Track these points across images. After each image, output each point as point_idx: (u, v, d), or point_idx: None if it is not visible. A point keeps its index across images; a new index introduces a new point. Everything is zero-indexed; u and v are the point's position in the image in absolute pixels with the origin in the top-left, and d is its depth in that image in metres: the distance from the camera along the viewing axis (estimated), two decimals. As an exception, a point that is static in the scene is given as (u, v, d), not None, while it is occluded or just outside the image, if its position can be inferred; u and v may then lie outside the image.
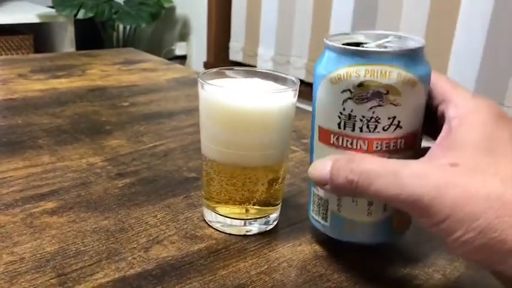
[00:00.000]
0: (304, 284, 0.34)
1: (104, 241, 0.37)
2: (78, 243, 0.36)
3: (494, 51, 1.31)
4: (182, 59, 2.33)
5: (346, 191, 0.32)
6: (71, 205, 0.42)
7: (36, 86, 0.77)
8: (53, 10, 2.10)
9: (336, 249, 0.37)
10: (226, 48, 2.18)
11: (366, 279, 0.35)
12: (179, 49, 2.36)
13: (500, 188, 0.27)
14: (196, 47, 2.32)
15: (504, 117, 0.31)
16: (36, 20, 2.10)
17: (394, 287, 0.34)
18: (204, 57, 2.25)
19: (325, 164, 0.33)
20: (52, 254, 0.35)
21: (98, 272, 0.33)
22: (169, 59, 1.47)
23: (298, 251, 0.38)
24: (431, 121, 0.35)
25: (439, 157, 0.31)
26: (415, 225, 0.43)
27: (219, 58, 2.18)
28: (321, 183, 0.33)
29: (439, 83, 0.34)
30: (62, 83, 0.79)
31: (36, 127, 0.59)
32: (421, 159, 0.31)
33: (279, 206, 0.41)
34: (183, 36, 2.39)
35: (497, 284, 0.35)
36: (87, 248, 0.36)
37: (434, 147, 0.32)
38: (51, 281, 0.32)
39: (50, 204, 0.42)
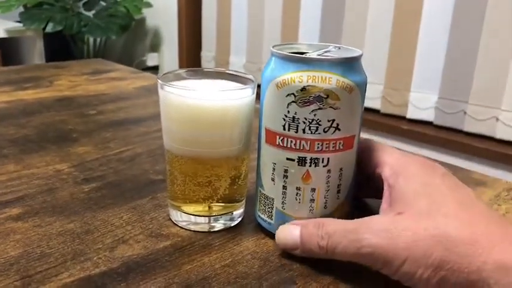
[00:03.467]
0: (267, 274, 0.35)
1: (69, 243, 0.37)
2: (43, 246, 0.37)
3: (457, 51, 1.35)
4: (154, 69, 2.33)
5: (317, 255, 0.34)
6: (36, 210, 0.42)
7: (2, 98, 0.76)
8: (21, 24, 2.08)
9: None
10: (198, 58, 2.19)
11: (326, 266, 0.36)
12: (151, 60, 2.36)
13: (444, 223, 0.30)
14: (168, 58, 2.33)
15: (431, 166, 0.36)
16: (3, 35, 2.08)
17: (354, 271, 0.35)
18: (176, 67, 2.26)
19: (293, 231, 0.36)
20: (16, 258, 0.35)
21: (62, 273, 0.34)
22: (142, 70, 1.47)
23: (262, 243, 0.39)
24: (374, 185, 0.38)
25: (388, 211, 0.34)
26: (373, 214, 0.45)
27: (191, 67, 2.19)
28: (290, 249, 0.36)
29: (369, 150, 0.39)
30: (29, 94, 0.79)
31: (1, 137, 0.59)
32: (375, 215, 0.34)
33: (243, 202, 0.42)
34: (155, 47, 2.39)
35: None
36: (52, 250, 0.36)
37: (382, 205, 0.35)
38: (14, 283, 0.32)
39: (14, 211, 0.42)
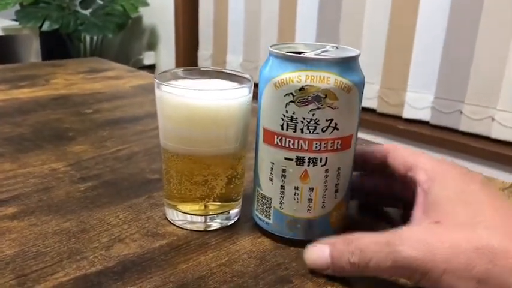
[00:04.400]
0: (263, 273, 0.35)
1: (65, 242, 0.37)
2: (39, 245, 0.37)
3: (453, 51, 1.36)
4: (151, 68, 2.32)
5: (349, 272, 0.33)
6: (32, 209, 0.42)
7: (-2, 96, 0.76)
8: (17, 23, 2.07)
9: (294, 240, 0.38)
10: (195, 57, 2.19)
11: (323, 266, 0.36)
12: (147, 58, 2.35)
13: (487, 235, 0.29)
14: (165, 56, 2.32)
15: (468, 173, 0.34)
16: (-1, 33, 2.07)
17: (350, 272, 0.35)
18: (173, 66, 2.25)
19: (323, 250, 0.34)
20: (12, 257, 0.35)
21: (58, 272, 0.34)
22: (138, 69, 1.47)
23: (258, 242, 0.39)
24: (404, 189, 0.37)
25: (422, 219, 0.32)
26: (370, 213, 0.45)
27: (188, 66, 2.18)
28: (321, 269, 0.34)
29: (400, 153, 0.38)
30: (24, 93, 0.79)
31: (-3, 136, 0.59)
32: (407, 224, 0.33)
33: (240, 201, 0.42)
34: (151, 46, 2.38)
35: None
36: (48, 249, 0.36)
37: (415, 212, 0.34)
38: (10, 282, 0.32)
39: (10, 210, 0.42)
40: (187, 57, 2.18)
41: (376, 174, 0.42)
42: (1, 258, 0.35)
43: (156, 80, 0.39)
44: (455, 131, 1.40)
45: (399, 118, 1.52)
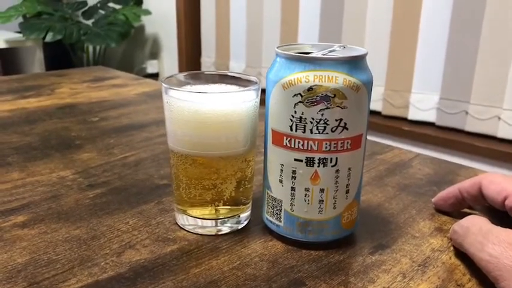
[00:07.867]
0: (276, 276, 0.34)
1: (76, 249, 0.37)
2: (50, 253, 0.36)
3: (457, 51, 1.35)
4: (154, 77, 2.33)
5: (453, 239, 0.38)
6: (41, 217, 0.42)
7: (4, 106, 0.76)
8: (21, 35, 2.09)
9: (306, 242, 0.38)
10: (197, 64, 2.20)
11: (336, 267, 0.36)
12: (151, 67, 2.36)
13: None
14: (168, 64, 2.33)
15: None
16: (3, 46, 2.08)
17: (364, 273, 0.35)
18: (176, 74, 2.26)
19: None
20: (23, 265, 0.35)
21: (70, 279, 0.33)
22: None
23: (270, 246, 0.38)
24: (504, 215, 0.39)
25: None
26: (381, 214, 0.45)
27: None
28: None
29: (496, 181, 0.39)
30: (31, 103, 0.79)
31: (5, 146, 0.59)
32: None
33: (250, 204, 0.42)
34: (154, 54, 2.39)
35: (464, 264, 0.37)
36: (59, 256, 0.36)
37: None
38: (23, 290, 0.32)
39: (20, 218, 0.41)
40: (190, 65, 2.19)
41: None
42: (13, 266, 0.35)
43: (164, 85, 0.39)
44: (461, 132, 1.40)
45: (404, 120, 1.52)
